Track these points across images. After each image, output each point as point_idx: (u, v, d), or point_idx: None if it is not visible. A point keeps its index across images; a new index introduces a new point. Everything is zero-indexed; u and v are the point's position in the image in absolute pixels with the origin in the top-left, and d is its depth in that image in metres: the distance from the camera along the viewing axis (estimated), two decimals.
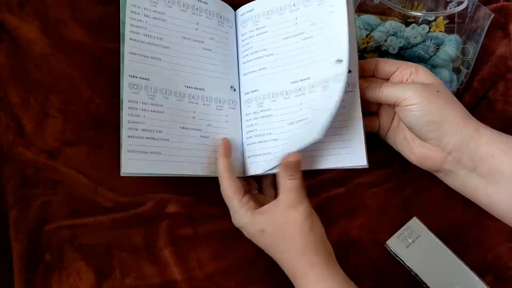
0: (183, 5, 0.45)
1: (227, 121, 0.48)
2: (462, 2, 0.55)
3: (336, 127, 0.45)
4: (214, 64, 0.47)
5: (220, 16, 0.47)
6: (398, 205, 0.55)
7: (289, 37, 0.45)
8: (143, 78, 0.43)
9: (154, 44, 0.44)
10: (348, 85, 0.43)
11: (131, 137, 0.42)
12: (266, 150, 0.47)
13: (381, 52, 0.61)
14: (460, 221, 0.53)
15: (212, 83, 0.47)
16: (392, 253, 0.51)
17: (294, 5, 0.45)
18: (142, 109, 0.43)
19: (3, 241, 0.50)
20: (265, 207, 0.43)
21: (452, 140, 0.38)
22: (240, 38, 0.50)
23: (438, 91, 0.39)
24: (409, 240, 0.51)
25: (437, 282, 0.48)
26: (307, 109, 0.44)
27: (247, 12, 0.49)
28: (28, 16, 0.67)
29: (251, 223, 0.43)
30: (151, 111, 0.43)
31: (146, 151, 0.42)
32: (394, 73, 0.43)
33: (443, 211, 0.54)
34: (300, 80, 0.44)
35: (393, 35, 0.57)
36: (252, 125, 0.48)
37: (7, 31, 0.65)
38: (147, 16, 0.43)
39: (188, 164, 0.45)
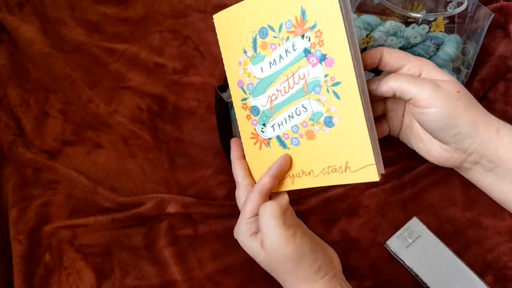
0: None
1: None
2: (462, 3, 0.55)
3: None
4: None
5: None
6: (398, 205, 0.55)
7: None
8: None
9: None
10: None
11: None
12: None
13: None
14: (460, 221, 0.53)
15: None
16: (392, 253, 0.51)
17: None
18: None
19: (3, 241, 0.50)
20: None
21: (473, 144, 0.37)
22: None
23: (458, 92, 0.36)
24: (409, 240, 0.51)
25: (437, 282, 0.48)
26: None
27: None
28: (28, 16, 0.67)
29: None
30: None
31: None
32: (397, 70, 0.38)
33: (443, 211, 0.54)
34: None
35: (393, 35, 0.57)
36: None
37: (7, 31, 0.65)
38: None
39: None
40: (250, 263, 0.51)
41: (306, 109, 0.37)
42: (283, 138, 0.39)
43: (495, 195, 0.39)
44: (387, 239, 0.52)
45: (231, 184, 0.56)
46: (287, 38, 0.35)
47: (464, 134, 0.36)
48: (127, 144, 0.58)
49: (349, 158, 0.36)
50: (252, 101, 0.40)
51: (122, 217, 0.51)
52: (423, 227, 0.51)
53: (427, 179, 0.56)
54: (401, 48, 0.58)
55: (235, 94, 0.41)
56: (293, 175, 0.40)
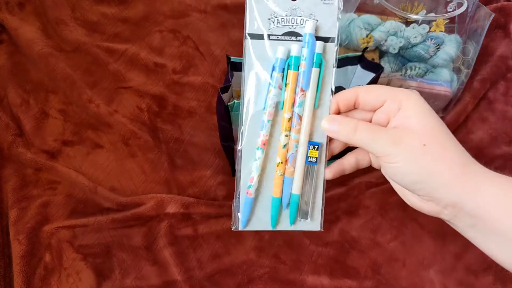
0: None
1: None
2: (462, 3, 0.55)
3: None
4: None
5: None
6: (398, 205, 0.55)
7: None
8: None
9: None
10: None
11: None
12: None
13: (381, 51, 0.61)
14: None
15: None
16: None
17: None
18: None
19: (3, 241, 0.50)
20: None
21: (445, 199, 0.33)
22: None
23: (424, 145, 0.32)
24: None
25: None
26: None
27: None
28: (28, 16, 0.67)
29: None
30: None
31: None
32: (379, 107, 0.35)
33: None
34: None
35: (393, 35, 0.57)
36: None
37: (7, 31, 0.65)
38: None
39: None
40: (250, 263, 0.51)
41: None
42: None
43: (481, 248, 0.35)
44: (387, 239, 0.52)
45: (231, 184, 0.56)
46: None
47: (432, 187, 0.33)
48: (127, 144, 0.58)
49: None
50: None
51: (122, 217, 0.51)
52: None
53: None
54: (401, 48, 0.58)
55: None
56: None
